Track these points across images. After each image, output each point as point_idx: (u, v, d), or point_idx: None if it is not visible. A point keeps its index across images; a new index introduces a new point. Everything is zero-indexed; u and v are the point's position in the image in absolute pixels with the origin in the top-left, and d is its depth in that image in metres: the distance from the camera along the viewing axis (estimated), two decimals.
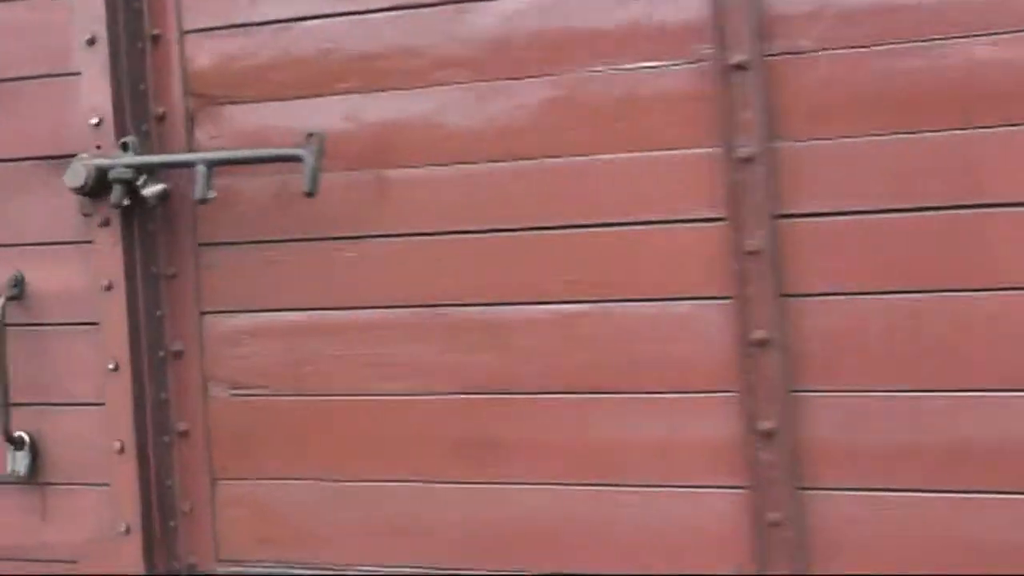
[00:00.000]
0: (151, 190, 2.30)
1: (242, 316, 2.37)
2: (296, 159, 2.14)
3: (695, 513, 2.04)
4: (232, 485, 2.39)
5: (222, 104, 2.37)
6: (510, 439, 2.16)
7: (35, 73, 2.45)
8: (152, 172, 2.32)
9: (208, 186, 2.20)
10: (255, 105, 2.34)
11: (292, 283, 2.32)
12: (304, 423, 2.32)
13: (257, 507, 2.38)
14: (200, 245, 2.37)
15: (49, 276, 2.44)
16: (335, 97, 2.26)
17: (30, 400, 2.46)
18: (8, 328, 2.46)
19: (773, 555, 1.96)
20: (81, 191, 2.32)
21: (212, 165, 2.21)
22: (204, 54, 2.38)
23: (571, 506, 2.11)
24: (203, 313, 2.38)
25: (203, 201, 2.21)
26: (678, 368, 2.04)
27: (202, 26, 2.37)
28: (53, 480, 2.47)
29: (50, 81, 2.43)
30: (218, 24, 2.36)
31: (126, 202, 2.30)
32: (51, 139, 2.42)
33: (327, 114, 2.25)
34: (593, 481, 2.09)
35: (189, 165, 2.25)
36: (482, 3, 2.15)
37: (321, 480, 2.31)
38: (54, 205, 2.42)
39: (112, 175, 2.29)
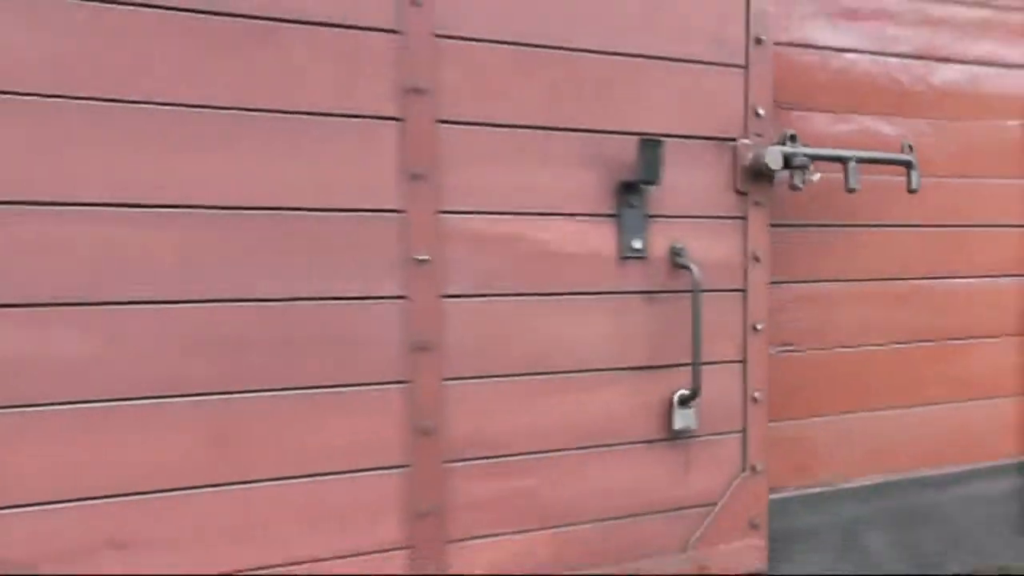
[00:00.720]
0: (813, 176, 2.78)
1: (789, 286, 2.97)
2: (907, 163, 2.94)
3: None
4: (779, 425, 2.97)
5: (788, 110, 2.92)
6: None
7: (713, 60, 2.64)
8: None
9: (856, 179, 2.83)
10: (815, 114, 2.97)
11: (826, 260, 3.02)
12: (830, 372, 3.05)
13: (796, 441, 3.01)
14: (771, 226, 2.87)
15: (704, 247, 2.65)
16: (881, 117, 3.06)
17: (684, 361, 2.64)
18: (664, 294, 2.60)
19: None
20: (767, 172, 2.67)
21: (859, 161, 2.84)
22: (783, 68, 2.89)
23: None
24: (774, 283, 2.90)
25: (852, 191, 2.83)
26: None
27: (787, 40, 2.89)
28: (701, 433, 2.68)
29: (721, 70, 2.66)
30: (797, 42, 2.91)
31: (799, 184, 2.74)
32: (717, 123, 2.65)
33: (874, 130, 3.05)
34: None
35: (841, 160, 2.82)
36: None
37: (845, 414, 3.08)
38: (712, 183, 2.65)
39: (795, 162, 2.71)
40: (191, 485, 2.08)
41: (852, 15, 2.99)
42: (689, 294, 2.61)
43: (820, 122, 2.93)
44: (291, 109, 2.12)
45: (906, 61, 3.09)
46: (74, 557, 1.98)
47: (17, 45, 1.87)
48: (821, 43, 2.94)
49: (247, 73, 2.08)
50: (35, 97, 1.90)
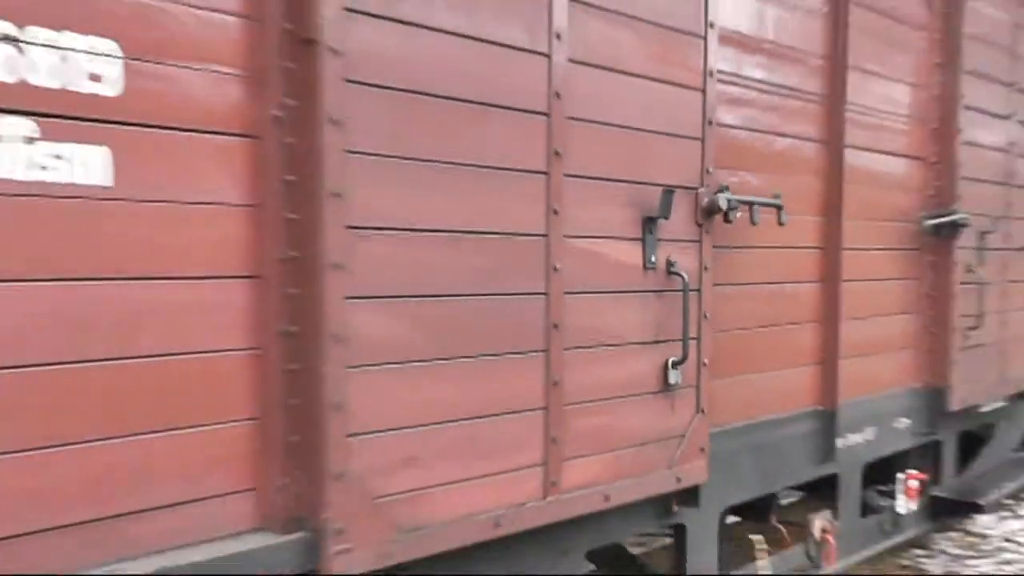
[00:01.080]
0: (737, 214, 4.15)
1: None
2: (778, 206, 4.41)
3: None
4: None
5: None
6: None
7: None
8: None
9: (758, 216, 4.26)
10: (719, 170, 4.36)
11: (731, 270, 4.43)
12: (724, 348, 4.44)
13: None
14: (713, 247, 4.22)
15: (679, 261, 3.93)
16: (750, 172, 4.52)
17: None
18: (664, 292, 3.89)
19: None
20: (716, 210, 4.02)
21: (759, 205, 4.27)
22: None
23: None
24: None
25: (755, 223, 4.25)
26: None
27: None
28: (681, 386, 3.96)
29: None
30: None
31: (732, 219, 4.11)
32: (688, 178, 3.96)
33: (747, 181, 4.50)
34: None
35: (750, 204, 4.23)
36: None
37: (730, 377, 4.48)
38: (684, 217, 3.95)
39: (731, 204, 4.08)
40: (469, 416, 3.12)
41: (736, 102, 4.43)
42: (679, 292, 3.90)
43: (721, 175, 4.32)
44: (493, 165, 3.18)
45: (761, 135, 4.58)
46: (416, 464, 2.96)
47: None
48: (725, 123, 4.34)
49: (475, 140, 3.12)
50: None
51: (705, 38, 4.00)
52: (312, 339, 2.69)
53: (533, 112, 3.30)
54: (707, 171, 4.04)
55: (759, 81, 4.52)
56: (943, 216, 5.79)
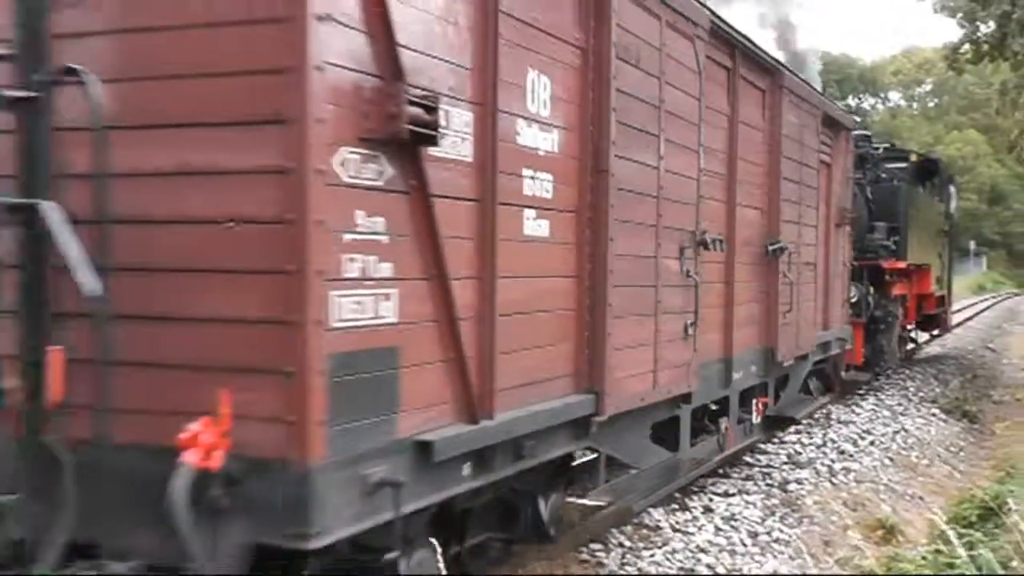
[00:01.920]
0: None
1: None
2: None
3: None
4: None
5: None
6: None
7: None
8: None
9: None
10: None
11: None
12: None
13: None
14: None
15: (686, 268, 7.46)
16: None
17: None
18: (687, 286, 7.47)
19: None
20: (702, 242, 7.62)
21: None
22: None
23: None
24: None
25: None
26: None
27: None
28: (690, 336, 7.51)
29: None
30: None
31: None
32: (693, 223, 7.55)
33: None
34: None
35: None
36: None
37: None
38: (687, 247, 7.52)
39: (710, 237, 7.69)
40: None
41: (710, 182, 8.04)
42: (693, 287, 7.44)
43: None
44: (645, 222, 6.64)
45: (719, 203, 8.21)
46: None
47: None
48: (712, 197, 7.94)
49: (647, 211, 6.65)
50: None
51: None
52: (599, 308, 6.02)
53: (651, 196, 6.73)
54: (699, 223, 7.60)
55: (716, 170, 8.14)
56: (774, 244, 9.63)
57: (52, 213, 3.92)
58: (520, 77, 5.25)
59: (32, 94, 4.01)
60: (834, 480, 10.11)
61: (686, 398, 7.66)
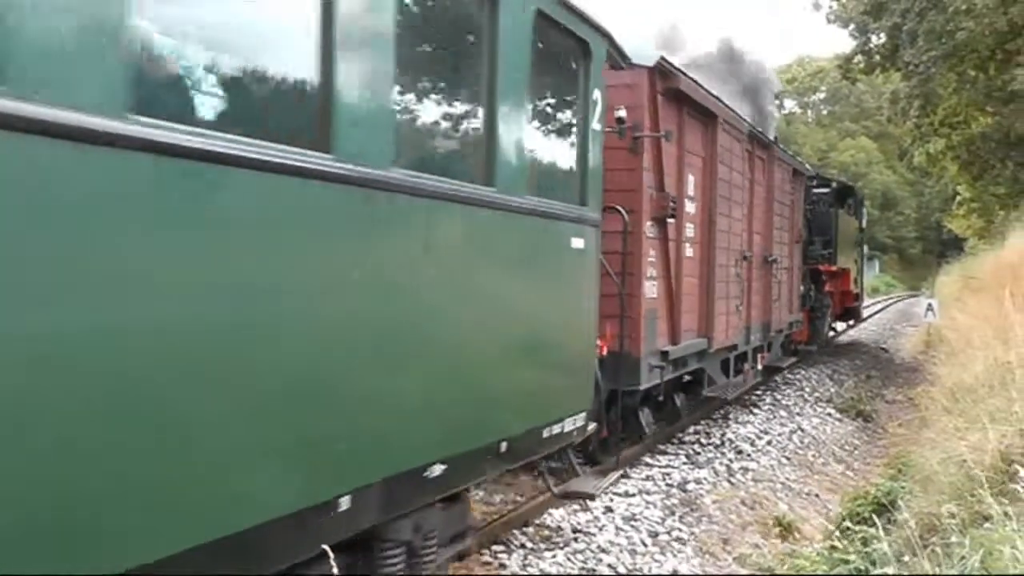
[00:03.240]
0: None
1: None
2: None
3: None
4: None
5: None
6: None
7: None
8: None
9: None
10: None
11: None
12: None
13: None
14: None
15: None
16: None
17: None
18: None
19: None
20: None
21: None
22: None
23: None
24: None
25: None
26: None
27: None
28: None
29: None
30: None
31: None
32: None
33: None
34: None
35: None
36: None
37: None
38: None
39: None
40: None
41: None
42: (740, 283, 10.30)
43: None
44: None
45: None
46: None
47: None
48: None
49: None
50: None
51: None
52: (709, 295, 11.57)
53: (727, 232, 11.51)
54: (742, 246, 11.80)
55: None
56: (770, 256, 14.87)
57: None
58: (686, 178, 10.80)
59: None
60: (732, 479, 10.26)
61: (734, 347, 13.28)
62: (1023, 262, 16.98)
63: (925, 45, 20.81)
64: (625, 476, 9.45)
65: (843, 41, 28.39)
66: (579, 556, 7.33)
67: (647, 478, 9.78)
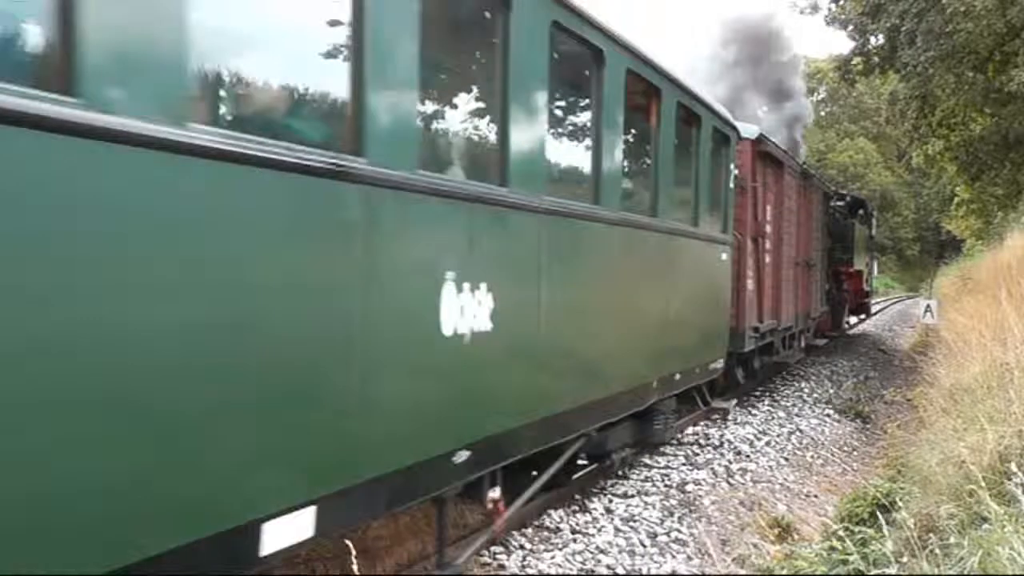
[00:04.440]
0: None
1: None
2: None
3: None
4: None
5: None
6: None
7: None
8: None
9: None
10: None
11: None
12: None
13: None
14: None
15: None
16: None
17: None
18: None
19: None
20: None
21: None
22: None
23: None
24: None
25: None
26: None
27: None
28: None
29: None
30: None
31: None
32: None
33: None
34: None
35: None
36: None
37: None
38: None
39: None
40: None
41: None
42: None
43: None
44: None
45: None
46: None
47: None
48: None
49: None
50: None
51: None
52: (779, 289, 15.86)
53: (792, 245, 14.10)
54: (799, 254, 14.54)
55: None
56: (812, 262, 18.43)
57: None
58: (766, 208, 15.50)
59: None
60: (731, 480, 10.28)
61: (790, 328, 17.80)
62: (1021, 263, 17.00)
63: (923, 46, 20.83)
64: (739, 404, 15.18)
65: (842, 42, 28.49)
66: (578, 557, 7.37)
67: (646, 479, 9.80)
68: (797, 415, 14.94)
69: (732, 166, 12.19)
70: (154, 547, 3.55)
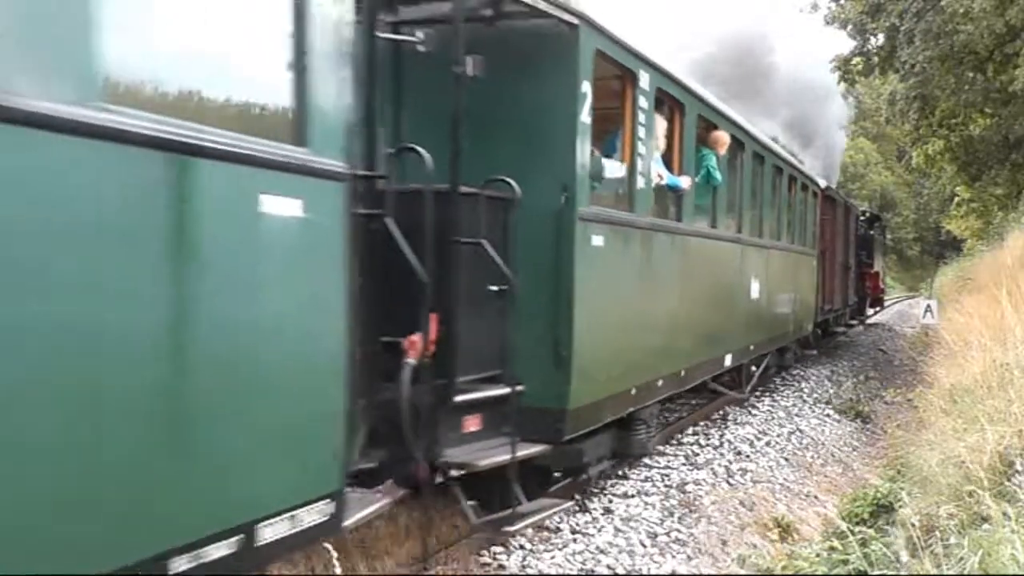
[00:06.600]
0: None
1: None
2: None
3: None
4: None
5: None
6: None
7: None
8: None
9: None
10: None
11: None
12: None
13: None
14: None
15: None
16: None
17: None
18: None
19: None
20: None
21: None
22: None
23: None
24: None
25: None
26: None
27: None
28: None
29: None
30: None
31: None
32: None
33: None
34: None
35: None
36: None
37: None
38: None
39: None
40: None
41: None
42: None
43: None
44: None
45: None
46: None
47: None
48: None
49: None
50: None
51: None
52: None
53: None
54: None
55: None
56: (847, 264, 23.00)
57: None
58: (826, 230, 21.48)
59: None
60: (731, 480, 10.25)
61: (838, 310, 23.65)
62: (1021, 263, 16.99)
63: (922, 45, 20.84)
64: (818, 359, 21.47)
65: (841, 43, 28.38)
66: (578, 557, 7.34)
67: (646, 479, 9.77)
68: (797, 415, 14.90)
69: (815, 207, 19.83)
70: None
